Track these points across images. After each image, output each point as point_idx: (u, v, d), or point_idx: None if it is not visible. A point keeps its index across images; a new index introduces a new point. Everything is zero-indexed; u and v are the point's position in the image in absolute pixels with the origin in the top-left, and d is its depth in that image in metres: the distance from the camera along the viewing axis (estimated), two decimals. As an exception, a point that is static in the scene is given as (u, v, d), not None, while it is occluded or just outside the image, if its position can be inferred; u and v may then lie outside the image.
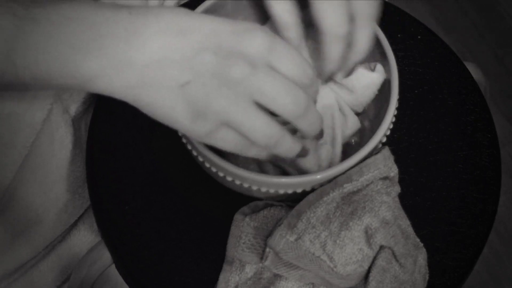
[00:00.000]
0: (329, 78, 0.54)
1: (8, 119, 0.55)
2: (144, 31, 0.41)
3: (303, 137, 0.48)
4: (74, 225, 0.65)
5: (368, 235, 0.50)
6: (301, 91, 0.43)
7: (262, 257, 0.53)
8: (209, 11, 0.54)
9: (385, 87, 0.54)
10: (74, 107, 0.62)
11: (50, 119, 0.59)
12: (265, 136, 0.43)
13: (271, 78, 0.42)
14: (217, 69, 0.41)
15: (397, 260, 0.52)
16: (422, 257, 0.54)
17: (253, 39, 0.42)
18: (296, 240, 0.50)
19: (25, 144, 0.57)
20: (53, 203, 0.62)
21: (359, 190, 0.51)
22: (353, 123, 0.55)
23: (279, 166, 0.53)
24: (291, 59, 0.43)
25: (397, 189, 0.53)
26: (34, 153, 0.58)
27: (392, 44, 0.54)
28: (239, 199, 0.55)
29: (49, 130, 0.59)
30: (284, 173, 0.54)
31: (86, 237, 0.66)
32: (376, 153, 0.52)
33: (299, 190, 0.51)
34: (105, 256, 0.59)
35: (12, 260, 0.61)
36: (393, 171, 0.52)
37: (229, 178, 0.50)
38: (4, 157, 0.57)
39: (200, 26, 0.42)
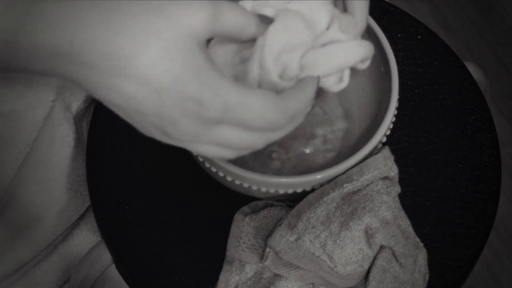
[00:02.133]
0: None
1: (9, 117, 0.55)
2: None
3: None
4: (76, 224, 0.65)
5: (368, 235, 0.50)
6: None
7: (262, 257, 0.53)
8: None
9: (385, 86, 0.54)
10: (75, 105, 0.62)
11: (51, 117, 0.59)
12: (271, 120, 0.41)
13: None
14: None
15: (397, 260, 0.52)
16: (422, 257, 0.54)
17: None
18: (296, 240, 0.50)
19: (27, 142, 0.57)
20: (54, 201, 0.62)
21: (359, 190, 0.51)
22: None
23: None
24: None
25: (397, 189, 0.53)
26: (35, 150, 0.59)
27: (392, 44, 0.54)
28: (239, 199, 0.55)
29: (50, 128, 0.59)
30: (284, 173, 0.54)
31: (88, 237, 0.66)
32: (376, 153, 0.52)
33: (299, 190, 0.51)
34: (105, 256, 0.59)
35: (13, 259, 0.61)
36: (393, 171, 0.52)
37: (229, 178, 0.50)
38: (6, 154, 0.57)
39: None
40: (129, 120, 0.40)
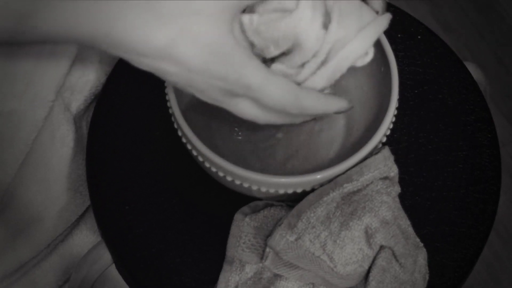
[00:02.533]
0: None
1: (9, 116, 0.55)
2: None
3: None
4: (76, 225, 0.65)
5: (368, 235, 0.50)
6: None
7: (262, 257, 0.53)
8: None
9: (385, 86, 0.54)
10: (75, 105, 0.62)
11: (51, 117, 0.59)
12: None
13: None
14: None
15: (397, 260, 0.52)
16: (422, 257, 0.54)
17: None
18: (296, 240, 0.50)
19: (27, 142, 0.57)
20: (54, 201, 0.62)
21: (359, 190, 0.51)
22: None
23: None
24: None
25: (397, 189, 0.53)
26: (35, 150, 0.59)
27: (392, 44, 0.54)
28: (239, 199, 0.55)
29: (50, 128, 0.59)
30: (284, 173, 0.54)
31: (88, 237, 0.66)
32: (376, 153, 0.52)
33: (299, 190, 0.51)
34: (105, 256, 0.59)
35: (13, 259, 0.61)
36: (393, 171, 0.52)
37: (229, 178, 0.50)
38: (6, 154, 0.57)
39: None
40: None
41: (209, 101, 0.45)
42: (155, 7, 0.39)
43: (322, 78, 0.47)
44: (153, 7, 0.39)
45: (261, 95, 0.44)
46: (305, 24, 0.44)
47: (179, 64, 0.41)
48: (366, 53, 0.48)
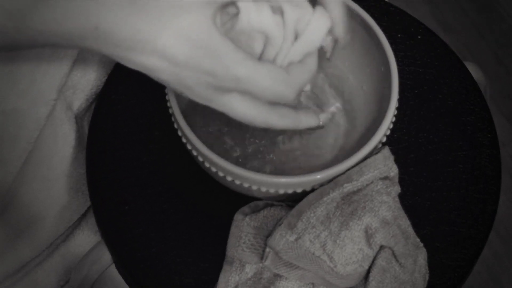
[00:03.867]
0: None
1: (12, 115, 0.56)
2: None
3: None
4: (78, 225, 0.65)
5: (368, 235, 0.50)
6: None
7: (262, 257, 0.53)
8: None
9: (385, 86, 0.54)
10: (77, 104, 0.63)
11: (53, 115, 0.59)
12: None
13: None
14: None
15: (397, 260, 0.52)
16: (422, 257, 0.54)
17: None
18: (296, 240, 0.50)
19: (29, 140, 0.57)
20: (55, 200, 0.62)
21: (359, 190, 0.51)
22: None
23: None
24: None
25: (397, 189, 0.53)
26: (37, 149, 0.59)
27: (392, 44, 0.54)
28: (239, 199, 0.55)
29: (52, 126, 0.59)
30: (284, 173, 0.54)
31: (90, 237, 0.66)
32: (376, 153, 0.52)
33: (299, 190, 0.51)
34: (105, 256, 0.59)
35: (15, 259, 0.61)
36: (393, 171, 0.52)
37: (229, 178, 0.50)
38: (8, 152, 0.57)
39: None
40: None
41: (201, 101, 0.45)
42: (140, 2, 0.40)
43: (296, 53, 0.47)
44: (137, 2, 0.40)
45: (252, 85, 0.43)
46: (256, 18, 0.45)
47: (165, 59, 0.41)
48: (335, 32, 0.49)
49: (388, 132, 0.52)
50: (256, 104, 0.45)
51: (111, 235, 0.58)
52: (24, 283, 0.63)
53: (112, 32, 0.40)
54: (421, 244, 0.55)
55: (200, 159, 0.51)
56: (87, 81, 0.63)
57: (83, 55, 0.60)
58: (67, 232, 0.64)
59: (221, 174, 0.50)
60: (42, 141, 0.59)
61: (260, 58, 0.47)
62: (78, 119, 0.63)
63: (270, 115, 0.47)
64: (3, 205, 0.59)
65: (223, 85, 0.43)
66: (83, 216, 0.65)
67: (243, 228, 0.54)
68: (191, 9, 0.41)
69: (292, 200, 0.53)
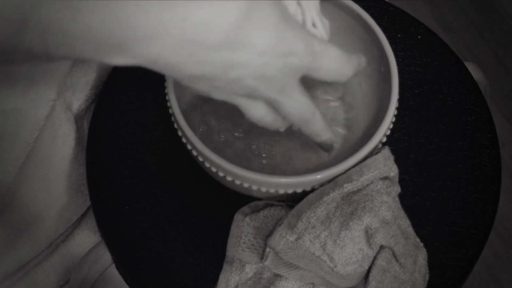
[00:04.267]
0: None
1: (11, 115, 0.56)
2: None
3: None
4: (77, 225, 0.65)
5: (368, 235, 0.50)
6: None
7: (262, 257, 0.53)
8: None
9: (385, 86, 0.54)
10: (76, 104, 0.62)
11: (53, 116, 0.59)
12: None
13: None
14: None
15: (397, 260, 0.52)
16: (422, 257, 0.54)
17: None
18: (296, 240, 0.50)
19: (28, 140, 0.57)
20: (55, 201, 0.62)
21: (359, 190, 0.51)
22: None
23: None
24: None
25: (397, 189, 0.53)
26: (37, 149, 0.59)
27: (392, 44, 0.54)
28: (239, 199, 0.55)
29: (52, 127, 0.59)
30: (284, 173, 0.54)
31: (90, 237, 0.66)
32: (376, 153, 0.52)
33: (299, 190, 0.51)
34: (105, 256, 0.59)
35: (15, 258, 0.61)
36: (393, 171, 0.52)
37: (229, 178, 0.50)
38: (8, 152, 0.57)
39: None
40: (203, 85, 0.42)
41: (271, 94, 0.44)
42: None
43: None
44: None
45: (326, 61, 0.45)
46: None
47: (248, 49, 0.39)
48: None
49: (388, 132, 0.52)
50: (309, 100, 0.47)
51: (111, 235, 0.58)
52: (24, 283, 0.63)
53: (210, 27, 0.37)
54: (421, 244, 0.55)
55: (200, 159, 0.51)
56: (87, 81, 0.63)
57: None
58: (67, 232, 0.64)
59: (221, 174, 0.50)
60: (41, 141, 0.59)
61: None
62: (78, 119, 0.63)
63: (315, 114, 0.48)
64: (2, 205, 0.59)
65: (304, 63, 0.43)
66: (83, 216, 0.65)
67: (243, 228, 0.54)
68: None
69: (292, 200, 0.53)
